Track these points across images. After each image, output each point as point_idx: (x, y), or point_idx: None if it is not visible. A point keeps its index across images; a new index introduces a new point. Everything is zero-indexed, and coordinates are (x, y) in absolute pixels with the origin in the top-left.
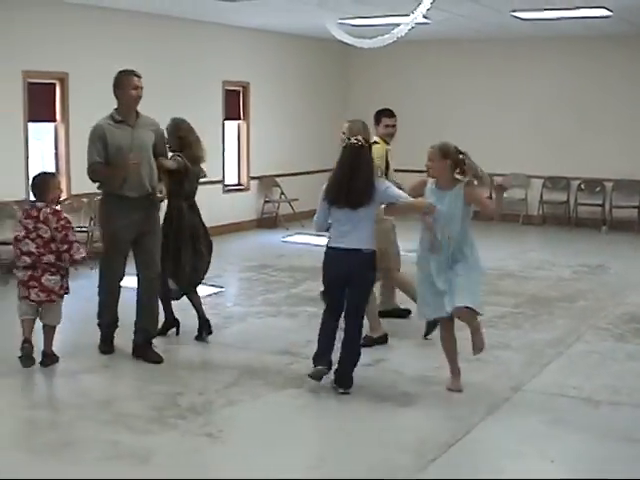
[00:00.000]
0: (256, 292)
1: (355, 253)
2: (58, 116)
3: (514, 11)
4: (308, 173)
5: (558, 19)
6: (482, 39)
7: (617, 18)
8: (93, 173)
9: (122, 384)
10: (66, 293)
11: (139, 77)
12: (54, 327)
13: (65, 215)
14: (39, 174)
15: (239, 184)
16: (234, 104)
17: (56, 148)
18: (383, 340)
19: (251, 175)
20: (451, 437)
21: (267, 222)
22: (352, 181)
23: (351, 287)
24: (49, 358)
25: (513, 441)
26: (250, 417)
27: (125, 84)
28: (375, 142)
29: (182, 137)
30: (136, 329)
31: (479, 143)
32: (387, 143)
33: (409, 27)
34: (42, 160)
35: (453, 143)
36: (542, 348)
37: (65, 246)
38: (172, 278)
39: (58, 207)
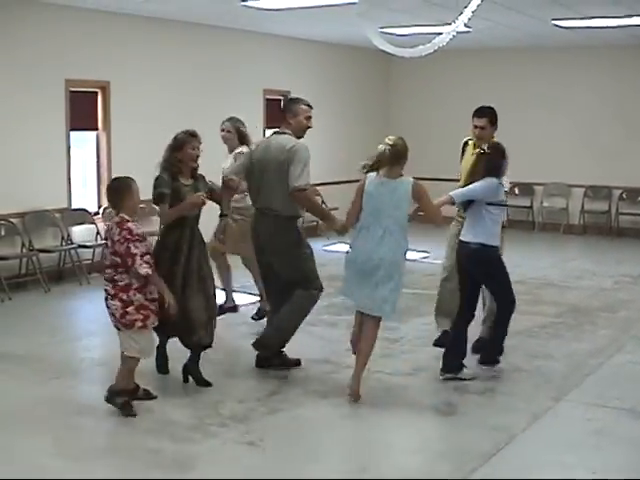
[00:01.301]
0: None
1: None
2: (100, 124)
3: (555, 19)
4: (348, 182)
5: (600, 27)
6: (523, 48)
7: None
8: (306, 198)
9: (164, 392)
10: (129, 326)
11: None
12: (127, 358)
13: (130, 226)
14: (114, 179)
15: None
16: (275, 112)
17: (98, 156)
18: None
19: None
20: (492, 447)
21: (308, 231)
22: None
23: None
24: (110, 392)
25: (554, 452)
26: (291, 426)
27: (300, 112)
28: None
29: None
30: None
31: (520, 152)
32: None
33: (450, 36)
34: (84, 168)
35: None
36: (583, 358)
37: (129, 260)
38: None
39: (127, 217)
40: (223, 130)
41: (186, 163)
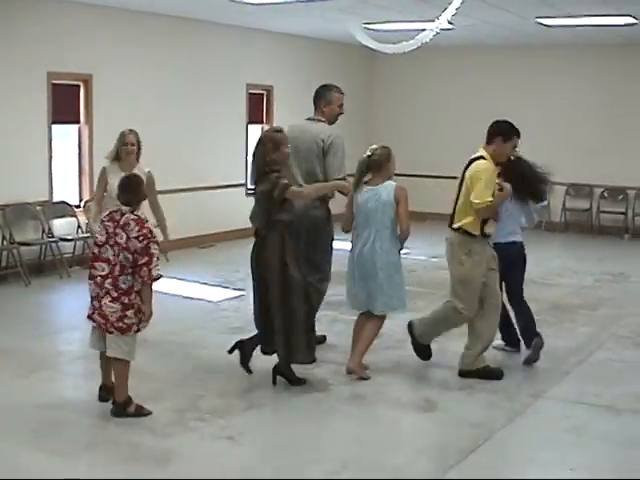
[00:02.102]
0: None
1: None
2: (82, 118)
3: (538, 17)
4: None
5: (582, 26)
6: (507, 45)
7: None
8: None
9: (143, 386)
10: (126, 330)
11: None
12: (121, 362)
13: (150, 226)
14: (129, 175)
15: None
16: (258, 108)
17: (79, 150)
18: None
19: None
20: (471, 443)
21: None
22: None
23: None
24: (117, 407)
25: (533, 448)
26: (271, 421)
27: (333, 100)
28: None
29: None
30: None
31: None
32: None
33: (434, 33)
34: (65, 162)
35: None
36: (563, 355)
37: (145, 258)
38: None
39: (142, 215)
40: None
41: (282, 163)
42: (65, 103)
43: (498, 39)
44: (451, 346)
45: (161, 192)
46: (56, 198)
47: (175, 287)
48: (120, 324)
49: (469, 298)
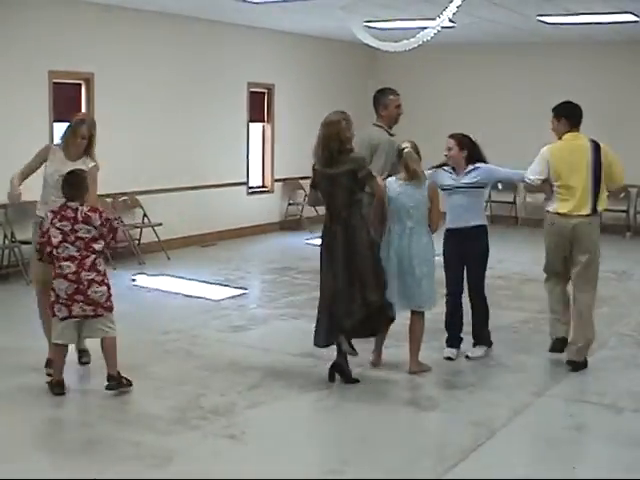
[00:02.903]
0: (279, 294)
1: None
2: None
3: (540, 15)
4: None
5: (584, 24)
6: (508, 43)
7: None
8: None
9: (145, 385)
10: (112, 308)
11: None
12: (112, 339)
13: (103, 209)
14: (72, 172)
15: (263, 186)
16: (259, 106)
17: None
18: None
19: (275, 177)
20: (473, 442)
21: (291, 224)
22: None
23: None
24: (115, 380)
25: (535, 447)
26: (272, 419)
27: (389, 103)
28: None
29: None
30: None
31: (504, 147)
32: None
33: (435, 31)
34: None
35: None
36: (565, 353)
37: (111, 235)
38: None
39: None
40: None
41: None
42: (67, 102)
43: (500, 37)
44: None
45: (162, 190)
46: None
47: (176, 285)
48: (109, 303)
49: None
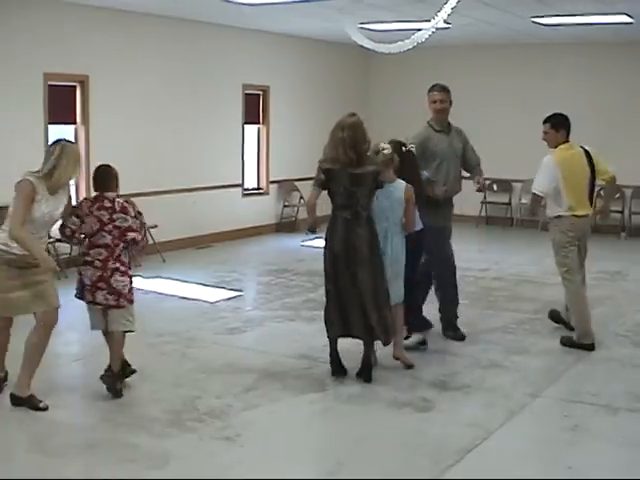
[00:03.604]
0: (275, 296)
1: None
2: (78, 118)
3: (534, 17)
4: None
5: (578, 25)
6: (503, 44)
7: (638, 24)
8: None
9: (141, 387)
10: (133, 301)
11: (438, 92)
12: (119, 335)
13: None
14: (101, 166)
15: (258, 188)
16: (254, 108)
17: None
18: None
19: (270, 179)
20: (469, 443)
21: (286, 226)
22: None
23: None
24: (115, 377)
25: (531, 448)
26: (268, 421)
27: (429, 100)
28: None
29: None
30: None
31: (499, 148)
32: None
33: (429, 32)
34: None
35: None
36: (560, 354)
37: (142, 232)
38: None
39: None
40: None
41: None
42: (62, 104)
43: (494, 38)
44: (448, 346)
45: (157, 193)
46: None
47: (172, 288)
48: (131, 295)
49: None
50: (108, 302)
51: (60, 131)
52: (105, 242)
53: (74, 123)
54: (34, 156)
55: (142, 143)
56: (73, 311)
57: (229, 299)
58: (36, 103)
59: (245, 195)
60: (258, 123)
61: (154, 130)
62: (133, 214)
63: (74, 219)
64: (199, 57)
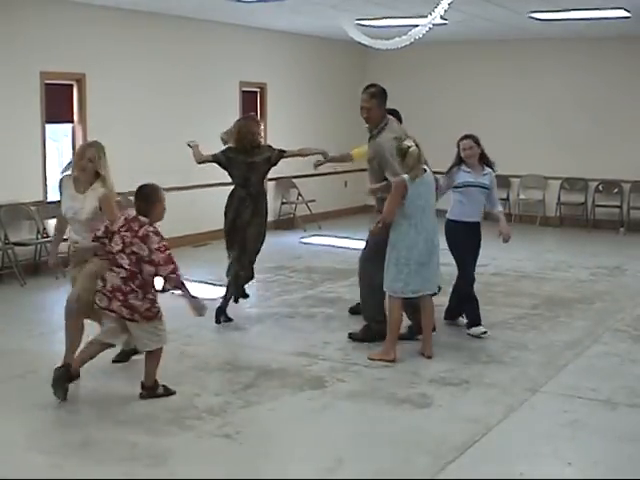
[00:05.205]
0: (273, 293)
1: None
2: (75, 117)
3: (532, 12)
4: (325, 174)
5: (576, 20)
6: (500, 40)
7: (636, 19)
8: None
9: (139, 385)
10: (153, 317)
11: (361, 94)
12: (152, 353)
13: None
14: (148, 185)
15: None
16: (251, 105)
17: (73, 149)
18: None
19: (268, 176)
20: (468, 439)
21: (284, 223)
22: None
23: None
24: (148, 391)
25: (530, 443)
26: (267, 418)
27: None
28: None
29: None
30: None
31: (497, 144)
32: None
33: (426, 28)
34: (59, 161)
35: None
36: (560, 350)
37: (171, 266)
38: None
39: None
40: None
41: None
42: (58, 102)
43: (491, 34)
44: (447, 341)
45: None
46: (50, 198)
47: None
48: (148, 313)
49: None
50: (122, 314)
51: (57, 130)
52: (123, 264)
53: (71, 122)
54: (31, 155)
55: (139, 141)
56: None
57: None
58: (33, 102)
59: None
60: None
61: (151, 128)
62: (156, 246)
63: (101, 227)
64: (196, 55)
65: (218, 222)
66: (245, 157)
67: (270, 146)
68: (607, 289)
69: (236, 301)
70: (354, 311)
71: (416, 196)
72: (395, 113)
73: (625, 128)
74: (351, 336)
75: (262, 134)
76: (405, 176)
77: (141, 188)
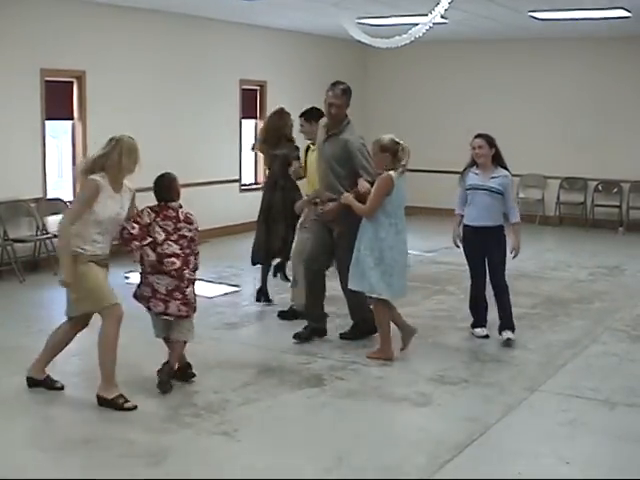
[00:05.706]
0: (272, 291)
1: None
2: (75, 114)
3: (532, 11)
4: None
5: (576, 19)
6: (500, 39)
7: (636, 19)
8: None
9: (138, 382)
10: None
11: (330, 91)
12: (179, 344)
13: None
14: (164, 175)
15: (256, 183)
16: (251, 103)
17: (73, 146)
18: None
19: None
20: (467, 438)
21: None
22: None
23: None
24: (170, 372)
25: (529, 442)
26: (266, 416)
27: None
28: None
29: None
30: None
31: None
32: None
33: (427, 27)
34: (59, 158)
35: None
36: (558, 349)
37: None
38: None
39: None
40: None
41: None
42: (58, 100)
43: (491, 33)
44: (447, 340)
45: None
46: (50, 195)
47: None
48: (196, 305)
49: None
50: (180, 313)
51: (57, 127)
52: (174, 251)
53: (71, 119)
54: (31, 152)
55: (139, 139)
56: None
57: (227, 294)
58: (33, 99)
59: (242, 190)
60: (255, 118)
61: (151, 126)
62: (195, 226)
63: (133, 224)
64: (196, 52)
65: (217, 220)
66: (271, 149)
67: (295, 146)
68: (606, 289)
69: (275, 275)
70: (284, 316)
71: (398, 194)
72: (319, 112)
73: (625, 128)
74: (342, 336)
75: (289, 128)
76: (392, 172)
77: (160, 179)
